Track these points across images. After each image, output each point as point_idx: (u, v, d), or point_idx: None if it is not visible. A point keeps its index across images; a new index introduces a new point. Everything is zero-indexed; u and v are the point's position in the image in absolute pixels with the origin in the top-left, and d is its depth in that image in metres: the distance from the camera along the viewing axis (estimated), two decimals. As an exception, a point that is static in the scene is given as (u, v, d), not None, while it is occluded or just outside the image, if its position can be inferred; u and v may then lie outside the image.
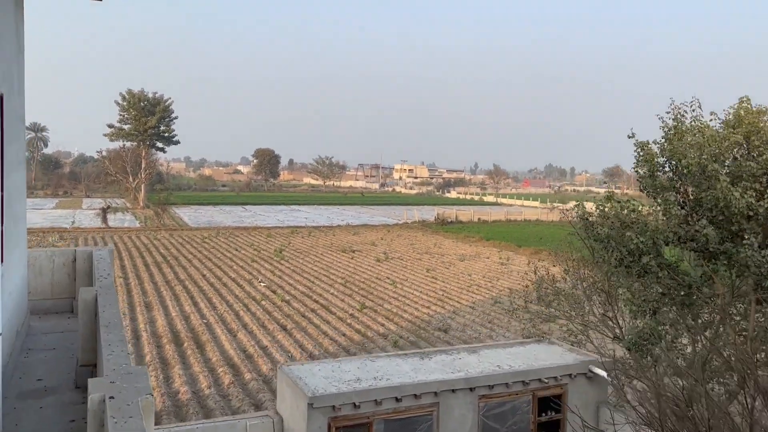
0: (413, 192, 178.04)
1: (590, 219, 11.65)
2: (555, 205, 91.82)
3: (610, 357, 13.77)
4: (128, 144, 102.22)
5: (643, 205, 10.85)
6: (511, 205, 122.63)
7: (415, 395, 10.08)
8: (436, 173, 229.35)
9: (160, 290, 36.44)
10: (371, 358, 11.39)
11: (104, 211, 71.01)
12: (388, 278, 42.07)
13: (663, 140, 11.08)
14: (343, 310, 32.70)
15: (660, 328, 10.67)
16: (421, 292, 37.80)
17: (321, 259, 50.43)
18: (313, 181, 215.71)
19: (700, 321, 10.96)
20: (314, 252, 54.42)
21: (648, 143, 11.19)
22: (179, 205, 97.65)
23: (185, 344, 26.07)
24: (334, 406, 9.49)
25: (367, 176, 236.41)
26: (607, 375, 11.38)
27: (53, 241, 56.04)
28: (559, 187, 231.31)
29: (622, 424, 10.95)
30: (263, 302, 33.96)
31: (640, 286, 10.86)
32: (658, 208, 10.39)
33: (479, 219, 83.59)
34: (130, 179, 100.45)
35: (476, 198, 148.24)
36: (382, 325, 29.98)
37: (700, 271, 10.40)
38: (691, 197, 10.50)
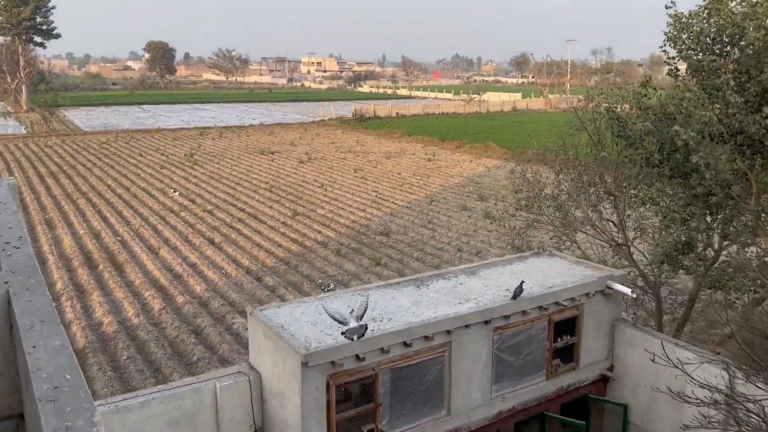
0: (323, 87, 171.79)
1: (618, 112, 9.81)
2: (472, 96, 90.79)
3: (613, 266, 12.50)
4: (1, 39, 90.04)
5: (689, 91, 9.02)
6: (425, 98, 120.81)
7: (426, 336, 8.29)
8: (346, 66, 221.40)
9: (61, 205, 32.36)
10: (359, 292, 9.39)
11: (-19, 117, 62.70)
12: (315, 181, 39.67)
13: (703, 11, 9.17)
14: (273, 219, 30.31)
15: (698, 236, 9.29)
16: (352, 194, 35.83)
17: (238, 162, 46.98)
18: (213, 77, 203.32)
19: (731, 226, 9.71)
20: (229, 155, 50.69)
21: (684, 16, 9.24)
22: (68, 107, 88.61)
23: (100, 267, 23.04)
24: (333, 362, 7.52)
25: (273, 71, 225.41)
26: (632, 292, 10.05)
27: None
28: (468, 78, 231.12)
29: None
30: (183, 214, 30.88)
31: (677, 189, 9.32)
32: (704, 95, 8.66)
33: (397, 114, 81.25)
34: (8, 80, 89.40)
35: (389, 91, 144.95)
36: (319, 232, 27.97)
37: (732, 168, 8.91)
38: (735, 82, 8.81)
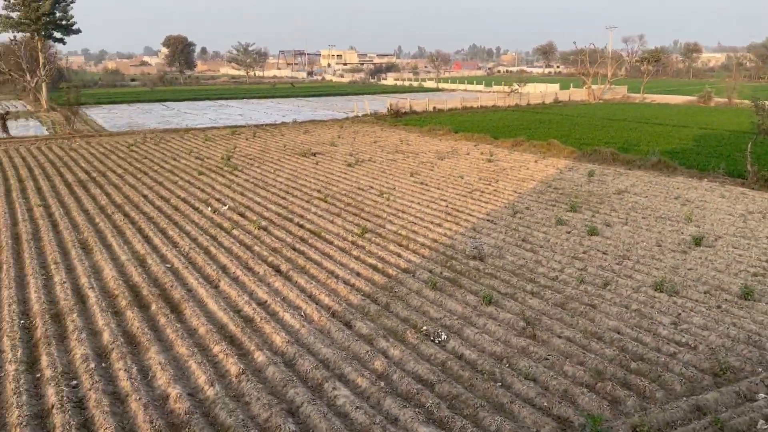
0: (345, 80, 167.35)
1: None
2: (513, 88, 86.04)
3: None
4: (20, 35, 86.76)
5: None
6: (454, 90, 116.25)
7: None
8: (366, 58, 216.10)
9: (96, 222, 28.55)
10: None
11: (3, 118, 59.27)
12: (372, 188, 35.57)
13: None
14: (340, 237, 26.27)
15: None
16: (419, 204, 31.69)
17: (280, 166, 42.98)
18: (232, 72, 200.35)
19: None
20: (268, 157, 46.73)
21: None
22: (89, 105, 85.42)
23: (153, 307, 19.09)
24: None
25: (291, 64, 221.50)
26: None
27: (-59, 159, 45.56)
28: (491, 68, 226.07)
29: None
30: (235, 231, 26.93)
31: None
32: None
33: (434, 108, 76.86)
34: (28, 77, 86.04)
35: (415, 84, 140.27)
36: (398, 255, 23.89)
37: None
38: None
